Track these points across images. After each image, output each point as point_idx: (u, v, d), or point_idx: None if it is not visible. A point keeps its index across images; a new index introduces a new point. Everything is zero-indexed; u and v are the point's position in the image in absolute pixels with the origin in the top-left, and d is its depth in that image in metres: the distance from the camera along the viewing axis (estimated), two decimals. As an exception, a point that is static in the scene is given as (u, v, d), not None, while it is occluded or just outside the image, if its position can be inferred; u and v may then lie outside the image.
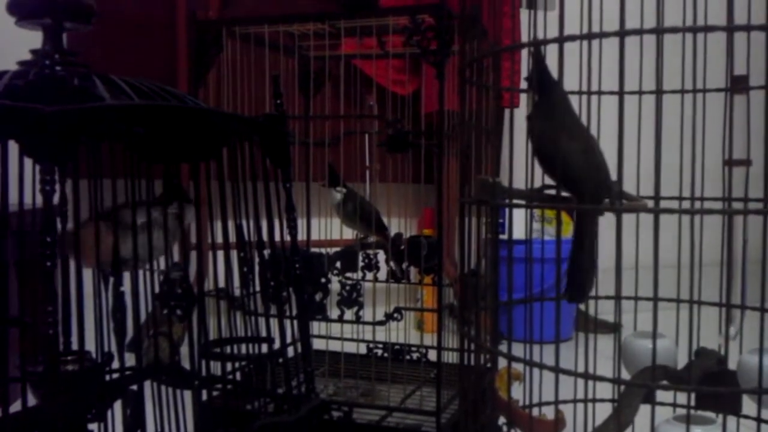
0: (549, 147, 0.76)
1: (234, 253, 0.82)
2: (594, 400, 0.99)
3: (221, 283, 0.88)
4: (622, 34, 0.61)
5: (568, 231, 2.04)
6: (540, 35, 0.72)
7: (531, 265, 0.96)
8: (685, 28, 0.62)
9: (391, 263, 1.24)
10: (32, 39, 0.72)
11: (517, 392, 0.96)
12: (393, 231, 1.28)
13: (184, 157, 0.77)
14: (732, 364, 0.94)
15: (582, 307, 1.79)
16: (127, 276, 0.77)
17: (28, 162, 0.65)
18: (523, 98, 1.92)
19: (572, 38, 0.64)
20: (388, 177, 1.42)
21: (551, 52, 0.74)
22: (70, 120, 0.57)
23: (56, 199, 0.64)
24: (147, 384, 0.82)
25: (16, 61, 0.70)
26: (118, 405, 0.82)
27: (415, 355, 1.36)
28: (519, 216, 1.82)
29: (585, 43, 0.66)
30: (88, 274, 0.79)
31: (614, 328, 0.81)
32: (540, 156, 0.78)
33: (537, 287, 1.56)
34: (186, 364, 0.84)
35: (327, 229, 1.37)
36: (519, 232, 1.82)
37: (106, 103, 0.61)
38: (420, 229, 2.08)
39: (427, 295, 2.00)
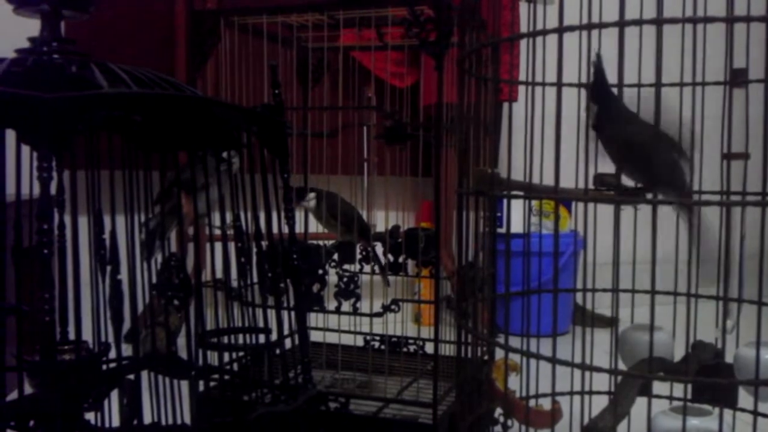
0: (639, 150, 0.80)
1: (232, 244, 0.82)
2: (591, 393, 1.00)
3: (219, 274, 0.88)
4: (621, 24, 0.61)
5: (565, 225, 2.04)
6: (539, 27, 0.72)
7: (529, 259, 0.96)
8: (684, 19, 0.62)
9: (383, 257, 1.24)
10: (30, 27, 0.72)
11: (514, 383, 0.97)
12: (391, 224, 1.27)
13: (181, 146, 0.77)
14: (729, 357, 0.95)
15: (579, 301, 1.80)
16: (124, 265, 0.77)
17: (25, 152, 0.65)
18: (522, 91, 1.91)
19: (572, 28, 0.64)
20: (386, 170, 1.42)
21: (551, 43, 0.74)
22: (67, 107, 0.56)
23: (54, 189, 0.64)
24: (144, 374, 0.82)
25: (13, 49, 0.70)
26: (115, 394, 0.82)
27: (412, 348, 1.36)
28: (517, 210, 1.82)
29: (585, 33, 0.66)
30: (85, 263, 0.79)
31: (611, 322, 0.81)
32: (629, 158, 0.81)
33: (534, 281, 1.56)
34: (183, 354, 0.84)
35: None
36: (517, 226, 1.82)
37: (103, 90, 0.61)
38: (418, 222, 2.08)
39: (425, 288, 2.00)
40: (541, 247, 1.52)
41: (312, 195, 1.28)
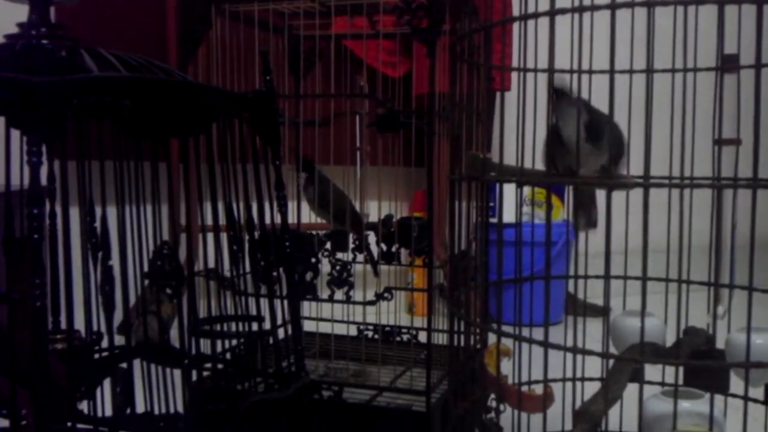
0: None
1: (224, 233, 0.81)
2: (583, 379, 1.00)
3: (211, 264, 0.88)
4: (613, 6, 0.61)
5: (558, 215, 2.05)
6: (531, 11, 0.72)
7: (521, 249, 0.96)
8: (676, 1, 0.62)
9: (372, 248, 1.24)
10: (19, 14, 0.71)
11: (507, 369, 0.97)
12: (383, 213, 1.27)
13: (172, 132, 0.76)
14: (720, 343, 0.95)
15: (571, 289, 1.80)
16: (115, 252, 0.77)
17: (15, 145, 0.65)
18: (514, 82, 1.91)
19: (563, 11, 0.64)
20: (378, 160, 1.42)
21: (542, 29, 0.74)
22: (57, 91, 0.56)
23: (44, 178, 0.64)
24: (137, 363, 0.81)
25: (2, 34, 0.69)
26: (107, 383, 0.82)
27: (405, 337, 1.36)
28: (509, 200, 1.82)
29: (576, 17, 0.66)
30: (76, 253, 0.79)
31: (603, 311, 0.81)
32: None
33: (527, 271, 1.57)
34: (176, 343, 0.84)
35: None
36: (509, 216, 1.83)
37: (93, 74, 0.60)
38: (411, 211, 2.08)
39: (418, 278, 2.01)
40: (533, 237, 1.52)
41: (303, 176, 1.27)
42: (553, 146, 0.84)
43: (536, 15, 0.68)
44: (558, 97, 0.80)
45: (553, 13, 0.64)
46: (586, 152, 0.78)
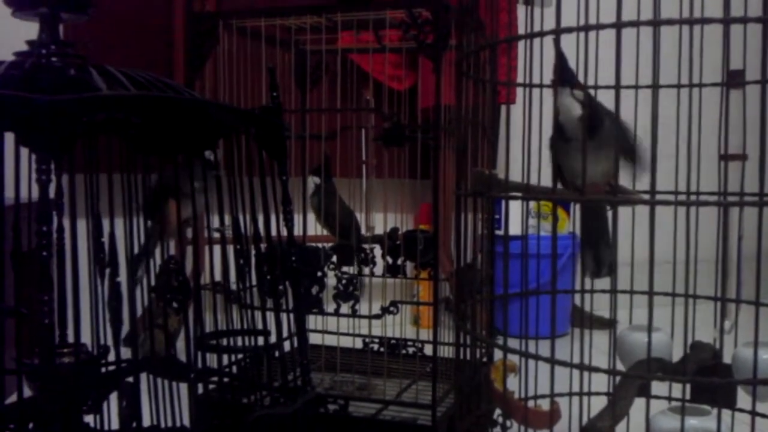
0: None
1: (230, 247, 0.82)
2: (589, 394, 1.00)
3: (218, 277, 0.88)
4: (618, 25, 0.61)
5: (564, 227, 2.05)
6: (537, 29, 0.72)
7: (527, 261, 0.96)
8: (681, 20, 0.62)
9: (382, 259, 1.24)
10: (29, 32, 0.72)
11: (513, 384, 0.97)
12: (389, 226, 1.27)
13: (180, 149, 0.77)
14: (727, 358, 0.95)
15: (578, 302, 1.80)
16: (122, 267, 0.77)
17: (24, 156, 0.65)
18: (519, 94, 1.92)
19: (569, 30, 0.64)
20: (384, 173, 1.42)
21: (548, 45, 0.74)
22: (66, 109, 0.57)
23: (53, 193, 0.64)
24: (143, 376, 0.82)
25: (12, 52, 0.70)
26: (114, 397, 0.82)
27: (411, 350, 1.36)
28: (515, 212, 1.82)
29: (582, 35, 0.66)
30: (84, 267, 0.79)
31: (610, 323, 0.81)
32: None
33: (533, 283, 1.57)
34: (183, 357, 0.84)
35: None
36: (515, 228, 1.82)
37: (102, 93, 0.61)
38: (417, 224, 2.08)
39: (424, 290, 2.00)
40: (539, 249, 1.52)
41: (315, 180, 1.27)
42: (556, 141, 0.82)
43: (542, 34, 0.68)
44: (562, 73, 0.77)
45: (558, 32, 0.65)
46: (585, 146, 0.74)
